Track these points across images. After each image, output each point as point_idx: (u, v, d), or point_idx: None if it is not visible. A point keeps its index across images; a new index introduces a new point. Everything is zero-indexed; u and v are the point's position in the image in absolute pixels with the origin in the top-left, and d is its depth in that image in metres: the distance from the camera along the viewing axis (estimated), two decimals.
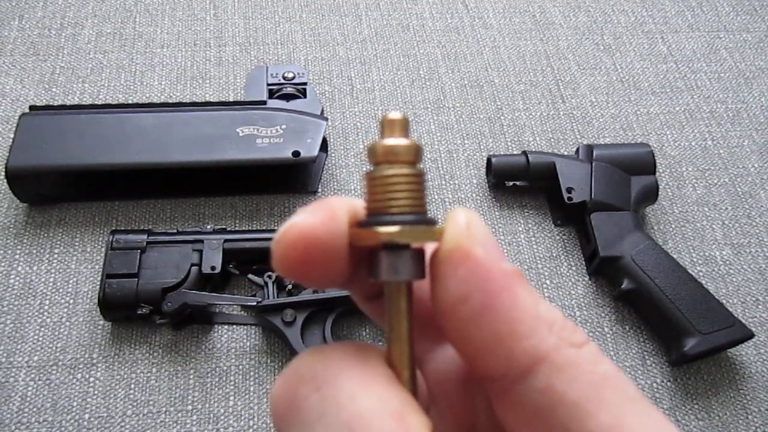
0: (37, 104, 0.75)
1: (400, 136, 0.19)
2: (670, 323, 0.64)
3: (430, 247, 0.19)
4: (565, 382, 0.16)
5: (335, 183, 0.76)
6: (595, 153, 0.74)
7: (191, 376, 0.63)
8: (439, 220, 0.19)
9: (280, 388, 0.18)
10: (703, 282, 0.70)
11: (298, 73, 0.78)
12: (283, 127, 0.71)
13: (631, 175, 0.73)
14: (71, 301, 0.66)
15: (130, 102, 0.80)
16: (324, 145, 0.75)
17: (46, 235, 0.70)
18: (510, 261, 0.18)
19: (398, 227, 0.18)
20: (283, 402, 0.18)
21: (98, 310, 0.63)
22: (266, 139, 0.70)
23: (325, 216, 0.18)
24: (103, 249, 0.68)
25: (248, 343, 0.65)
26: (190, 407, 0.61)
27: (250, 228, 0.72)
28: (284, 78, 0.78)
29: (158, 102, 0.79)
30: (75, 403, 0.60)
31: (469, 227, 0.18)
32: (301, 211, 0.18)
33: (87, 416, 0.60)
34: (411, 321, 0.19)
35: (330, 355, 0.18)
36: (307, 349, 0.19)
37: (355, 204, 0.19)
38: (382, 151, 0.19)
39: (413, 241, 0.18)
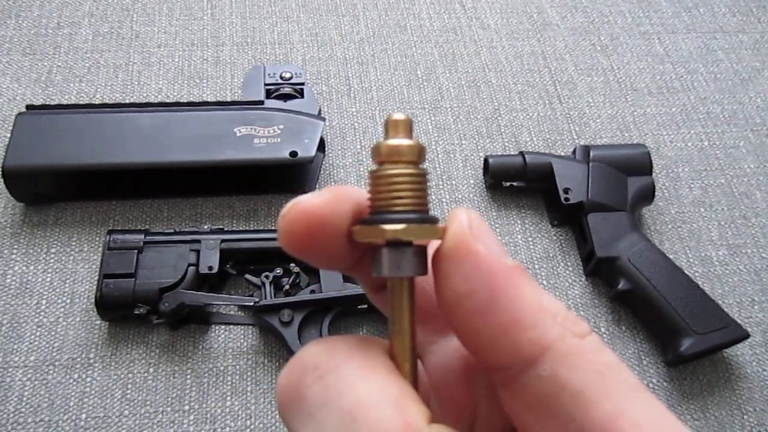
0: (34, 103, 0.75)
1: (403, 136, 0.20)
2: (667, 324, 0.65)
3: (431, 245, 0.20)
4: (569, 371, 0.17)
5: (332, 183, 0.76)
6: (592, 153, 0.74)
7: (188, 376, 0.63)
8: (436, 216, 0.19)
9: (285, 377, 0.19)
10: (699, 282, 0.71)
11: (296, 73, 0.79)
12: (281, 127, 0.71)
13: (628, 176, 0.73)
14: (68, 301, 0.66)
15: (127, 102, 0.80)
16: (321, 146, 0.75)
17: (42, 234, 0.70)
18: (511, 257, 0.19)
19: (403, 225, 0.18)
20: (288, 391, 0.18)
21: (95, 309, 0.62)
22: (264, 139, 0.70)
23: (329, 197, 0.19)
24: (100, 249, 0.68)
25: (245, 343, 0.65)
26: (187, 407, 0.61)
27: (247, 228, 0.72)
28: (282, 78, 0.78)
29: (155, 102, 0.79)
30: (72, 403, 0.60)
31: (471, 225, 0.18)
32: (310, 193, 0.19)
33: (84, 416, 0.60)
34: (413, 315, 0.19)
35: (334, 345, 0.19)
36: (312, 341, 0.19)
37: (361, 194, 0.20)
38: (387, 150, 0.19)
39: (418, 239, 0.19)
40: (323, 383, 0.18)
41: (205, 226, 0.68)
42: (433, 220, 0.19)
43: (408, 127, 0.20)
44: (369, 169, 0.19)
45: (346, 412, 0.16)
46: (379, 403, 0.17)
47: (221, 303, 0.65)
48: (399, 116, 0.20)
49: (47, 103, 0.78)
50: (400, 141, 0.19)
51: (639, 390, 0.17)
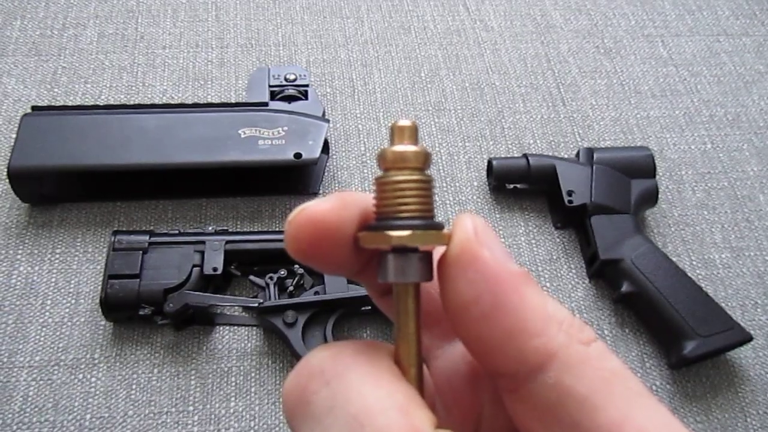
0: (39, 104, 0.75)
1: (409, 142, 0.20)
2: (670, 326, 0.65)
3: (437, 250, 0.20)
4: (575, 378, 0.17)
5: (336, 184, 0.77)
6: (595, 156, 0.74)
7: (192, 377, 0.63)
8: (442, 222, 0.19)
9: (291, 382, 0.19)
10: (703, 285, 0.71)
11: (300, 75, 0.79)
12: (285, 128, 0.71)
13: (631, 179, 0.74)
14: (73, 302, 0.66)
15: (132, 103, 0.81)
16: (325, 147, 0.75)
17: (47, 235, 0.70)
18: (517, 263, 0.19)
19: (409, 231, 0.18)
20: (294, 396, 0.18)
21: (100, 310, 0.63)
22: (268, 141, 0.70)
23: (336, 203, 0.19)
24: (105, 249, 0.68)
25: (249, 345, 0.65)
26: (191, 408, 0.61)
27: (251, 229, 0.72)
28: (286, 80, 0.78)
29: (160, 103, 0.79)
30: (76, 404, 0.60)
31: (476, 231, 0.19)
32: (317, 199, 0.19)
33: (88, 416, 0.60)
34: (418, 321, 0.19)
35: (340, 351, 0.19)
36: (318, 346, 0.20)
37: (368, 199, 0.20)
38: (392, 157, 0.20)
39: (423, 245, 0.19)
40: (330, 389, 0.18)
41: (210, 227, 0.68)
42: (439, 226, 0.19)
43: (413, 134, 0.20)
44: (374, 175, 0.19)
45: (353, 418, 0.16)
46: (386, 408, 0.17)
47: (225, 304, 0.66)
48: (405, 122, 0.20)
49: (52, 104, 0.79)
50: (406, 147, 0.20)
51: (644, 396, 0.17)
